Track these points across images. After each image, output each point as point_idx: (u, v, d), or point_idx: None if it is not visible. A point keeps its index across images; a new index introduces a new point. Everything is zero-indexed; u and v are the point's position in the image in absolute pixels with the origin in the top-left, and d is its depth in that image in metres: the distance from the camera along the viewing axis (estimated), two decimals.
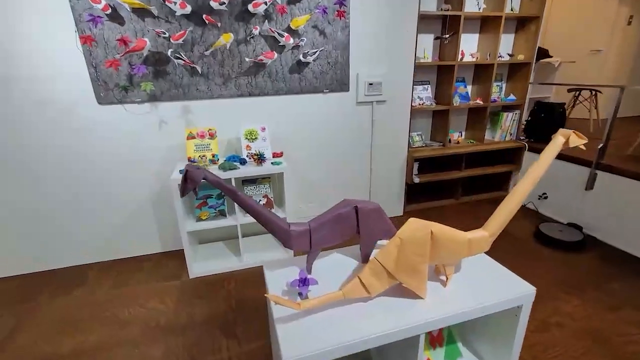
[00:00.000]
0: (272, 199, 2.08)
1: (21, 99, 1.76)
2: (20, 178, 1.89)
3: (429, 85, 2.66)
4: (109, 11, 1.68)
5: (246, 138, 2.06)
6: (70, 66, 1.77)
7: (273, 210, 2.07)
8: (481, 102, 2.65)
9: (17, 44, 1.68)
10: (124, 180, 2.05)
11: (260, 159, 1.91)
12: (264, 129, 2.10)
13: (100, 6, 1.62)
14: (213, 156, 1.98)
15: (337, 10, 1.90)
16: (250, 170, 1.89)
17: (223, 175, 1.83)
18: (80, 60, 1.77)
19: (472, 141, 2.81)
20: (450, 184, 2.94)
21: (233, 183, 1.89)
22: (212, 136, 1.99)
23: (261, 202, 2.05)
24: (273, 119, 2.18)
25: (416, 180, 2.56)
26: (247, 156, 2.02)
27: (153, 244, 2.24)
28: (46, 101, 1.80)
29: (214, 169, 1.89)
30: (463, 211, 2.82)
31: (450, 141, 2.75)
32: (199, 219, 1.97)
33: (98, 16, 1.60)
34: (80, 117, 1.87)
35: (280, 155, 2.13)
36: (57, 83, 1.78)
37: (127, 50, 1.70)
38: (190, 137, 1.96)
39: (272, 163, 1.97)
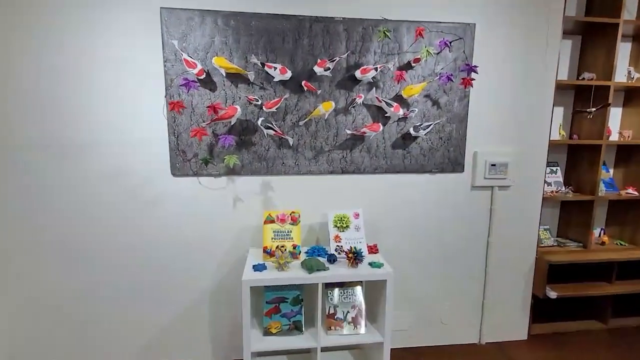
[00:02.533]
0: (363, 310, 1.54)
1: (97, 164, 1.57)
2: (72, 259, 1.62)
3: (558, 168, 2.11)
4: (203, 76, 1.49)
5: (335, 226, 1.63)
6: (151, 133, 1.57)
7: (365, 328, 1.52)
8: (635, 193, 2.01)
9: (109, 108, 1.53)
10: (185, 270, 1.68)
11: (357, 258, 1.44)
12: (357, 215, 1.66)
13: (196, 71, 1.44)
14: (294, 247, 1.56)
15: (463, 79, 1.56)
16: (343, 273, 1.42)
17: (308, 277, 1.38)
18: (162, 128, 1.57)
19: (622, 243, 2.10)
20: (594, 301, 2.16)
21: (319, 290, 1.41)
22: (294, 221, 1.60)
23: (349, 315, 1.53)
24: (367, 202, 1.76)
25: (551, 295, 1.87)
26: (336, 251, 1.57)
27: (202, 354, 1.76)
28: (120, 171, 1.58)
29: (295, 266, 1.46)
30: (614, 341, 1.99)
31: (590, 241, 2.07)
32: (268, 332, 1.48)
33: (193, 80, 1.41)
34: (151, 190, 1.61)
35: (376, 250, 1.64)
36: (136, 152, 1.58)
37: (216, 117, 1.46)
38: (269, 220, 1.58)
39: (370, 264, 1.48)
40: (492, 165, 1.77)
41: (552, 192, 1.99)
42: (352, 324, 1.51)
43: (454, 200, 1.82)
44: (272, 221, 1.58)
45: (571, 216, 2.10)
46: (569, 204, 2.11)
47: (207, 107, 1.42)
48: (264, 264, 1.45)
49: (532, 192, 1.87)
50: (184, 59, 1.43)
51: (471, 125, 1.76)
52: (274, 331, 1.48)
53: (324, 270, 1.42)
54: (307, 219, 1.73)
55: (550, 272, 1.90)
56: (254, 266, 1.43)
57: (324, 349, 1.49)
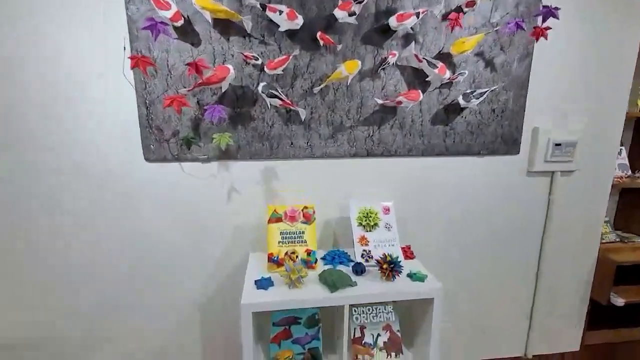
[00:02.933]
0: (398, 335, 1.21)
1: (42, 153, 1.18)
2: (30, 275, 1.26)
3: (622, 148, 1.75)
4: (180, 22, 1.08)
5: (360, 224, 1.27)
6: (113, 106, 1.17)
7: (403, 356, 1.19)
8: None
9: (57, 70, 1.12)
10: (169, 283, 1.32)
11: (393, 269, 1.09)
12: (387, 209, 1.30)
13: (169, 13, 1.02)
14: (308, 254, 1.20)
15: (535, 27, 1.15)
16: (375, 291, 1.06)
17: (330, 297, 1.03)
18: (128, 96, 1.17)
19: None
20: None
21: (345, 313, 1.07)
22: (308, 219, 1.24)
23: (380, 340, 1.19)
24: (399, 192, 1.39)
25: (618, 302, 1.55)
26: (363, 257, 1.22)
27: None
28: (75, 161, 1.20)
29: (311, 281, 1.11)
30: None
31: None
32: None
33: (162, 23, 0.99)
34: (118, 183, 1.23)
35: (412, 255, 1.29)
36: (95, 132, 1.18)
37: (201, 81, 1.06)
38: (274, 218, 1.22)
39: (410, 276, 1.13)
40: (557, 145, 1.39)
41: (619, 177, 1.63)
42: (384, 350, 1.18)
43: (505, 190, 1.45)
44: (279, 219, 1.21)
45: (636, 206, 1.76)
46: (632, 192, 1.76)
47: (187, 64, 1.01)
48: (270, 278, 1.10)
49: (601, 178, 1.51)
50: None
51: (532, 94, 1.37)
52: None
53: (351, 286, 1.07)
54: (322, 215, 1.36)
55: (616, 274, 1.57)
56: (256, 282, 1.07)
57: None
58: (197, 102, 1.20)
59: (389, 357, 1.16)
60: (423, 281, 1.10)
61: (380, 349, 1.17)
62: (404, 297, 1.06)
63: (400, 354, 1.17)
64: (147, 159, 1.22)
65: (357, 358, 1.15)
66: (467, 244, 1.48)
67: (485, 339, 1.61)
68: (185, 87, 1.13)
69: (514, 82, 1.34)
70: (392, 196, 1.36)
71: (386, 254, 1.12)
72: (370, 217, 1.27)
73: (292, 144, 1.28)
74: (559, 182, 1.46)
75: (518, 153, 1.42)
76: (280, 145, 1.27)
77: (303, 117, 1.21)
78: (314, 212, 1.24)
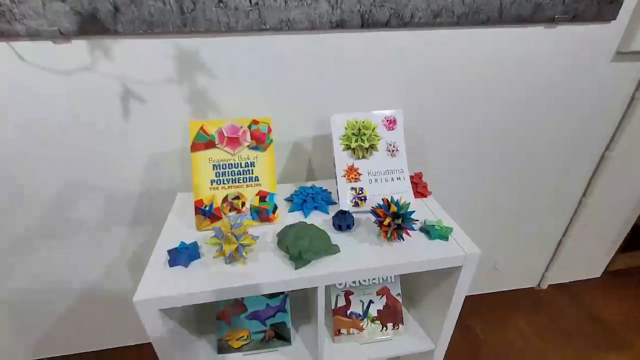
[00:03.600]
0: (398, 300, 0.86)
1: None
2: None
3: None
4: None
5: (347, 147, 0.79)
6: None
7: (403, 328, 0.85)
8: None
9: None
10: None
11: (400, 226, 0.66)
12: (392, 121, 0.80)
13: None
14: (262, 199, 0.75)
15: None
16: (371, 258, 0.63)
17: (294, 279, 0.61)
18: None
19: None
20: None
21: (319, 293, 0.67)
22: (260, 142, 0.74)
23: (374, 308, 0.85)
24: (412, 92, 0.87)
25: None
26: (351, 200, 0.78)
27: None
28: None
29: (266, 248, 0.67)
30: None
31: None
32: (226, 346, 0.82)
33: None
34: None
35: (425, 190, 0.84)
36: None
37: None
38: (203, 142, 0.72)
39: (426, 231, 0.71)
40: None
41: None
42: (377, 321, 0.85)
43: (575, 79, 0.93)
44: (210, 144, 0.72)
45: None
46: None
47: None
48: (195, 244, 0.66)
49: None
50: None
51: None
52: (236, 345, 0.82)
53: (330, 254, 0.66)
54: (286, 134, 0.86)
55: None
56: (170, 253, 0.65)
57: None
58: None
59: (384, 329, 0.84)
60: (447, 238, 0.69)
61: (373, 320, 0.84)
62: (416, 268, 0.66)
63: (400, 325, 0.85)
64: None
65: (339, 333, 0.83)
66: (498, 160, 1.04)
67: (498, 275, 1.33)
68: None
69: None
70: (400, 100, 0.84)
71: (388, 200, 0.67)
72: (363, 133, 0.77)
73: (220, 1, 0.68)
74: None
75: (612, 20, 0.85)
76: (199, 5, 0.68)
77: None
78: (269, 130, 0.73)
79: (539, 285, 1.42)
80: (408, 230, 0.66)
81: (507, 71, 0.88)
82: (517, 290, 1.41)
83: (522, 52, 0.85)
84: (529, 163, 1.06)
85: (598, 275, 1.46)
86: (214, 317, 0.80)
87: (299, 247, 0.62)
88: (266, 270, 0.61)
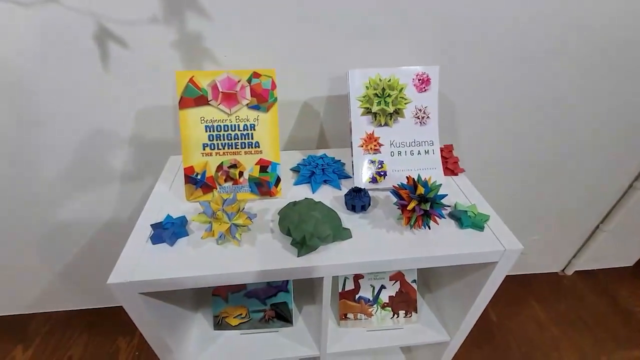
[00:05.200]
0: (414, 287, 0.76)
1: None
2: None
3: None
4: None
5: (367, 110, 0.65)
6: None
7: (416, 316, 0.76)
8: None
9: None
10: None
11: (427, 213, 0.55)
12: (426, 80, 0.65)
13: None
14: (264, 169, 0.64)
15: None
16: (390, 248, 0.53)
17: (297, 268, 0.50)
18: None
19: None
20: None
21: (327, 282, 0.58)
22: (262, 100, 0.61)
23: (385, 294, 0.76)
24: (448, 41, 0.70)
25: None
26: (369, 175, 0.66)
27: None
28: None
29: (265, 229, 0.57)
30: None
31: None
32: (223, 324, 0.75)
33: None
34: None
35: (456, 167, 0.71)
36: None
37: None
38: (194, 98, 0.60)
39: (457, 217, 0.59)
40: None
41: None
42: (389, 308, 0.77)
43: (629, 44, 0.75)
44: (203, 100, 0.59)
45: None
46: None
47: None
48: (183, 218, 0.57)
49: None
50: None
51: None
52: (233, 322, 0.76)
53: (341, 239, 0.56)
54: (293, 89, 0.73)
55: None
56: (154, 227, 0.55)
57: (334, 355, 0.79)
58: None
59: (395, 317, 0.77)
60: (482, 228, 0.57)
61: (384, 306, 0.76)
62: (443, 262, 0.55)
63: (413, 313, 0.77)
64: None
65: (345, 318, 0.76)
66: (540, 137, 0.89)
67: (522, 258, 1.23)
68: None
69: None
70: (432, 56, 0.68)
71: (414, 179, 0.55)
72: (390, 96, 0.63)
73: None
74: None
75: None
76: None
77: None
78: (273, 85, 0.60)
79: (563, 270, 1.31)
80: (436, 218, 0.55)
81: (573, 26, 0.69)
82: (539, 274, 1.31)
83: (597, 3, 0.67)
84: (577, 141, 0.90)
85: (630, 264, 1.34)
86: (211, 294, 0.74)
87: (303, 231, 0.51)
88: (263, 256, 0.52)
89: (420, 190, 0.53)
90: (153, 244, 0.53)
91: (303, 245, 0.52)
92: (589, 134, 0.89)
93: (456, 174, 0.70)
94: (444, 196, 0.55)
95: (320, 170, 0.67)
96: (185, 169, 0.60)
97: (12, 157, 0.75)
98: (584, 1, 0.67)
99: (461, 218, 0.57)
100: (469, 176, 0.70)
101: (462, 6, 0.65)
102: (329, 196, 0.64)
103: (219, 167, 0.61)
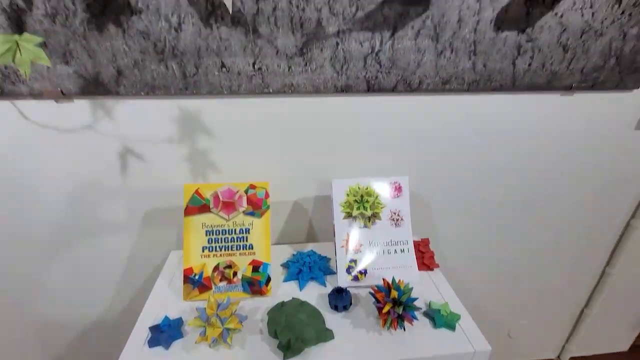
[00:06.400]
0: None
1: None
2: None
3: None
4: None
5: (348, 214, 0.75)
6: None
7: None
8: None
9: None
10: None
11: (401, 316, 0.60)
12: (398, 188, 0.76)
13: None
14: (255, 269, 0.70)
15: None
16: (369, 347, 0.57)
17: None
18: None
19: None
20: None
21: None
22: (256, 208, 0.71)
23: None
24: (421, 159, 0.83)
25: None
26: (350, 272, 0.73)
27: None
28: None
29: (254, 330, 0.62)
30: None
31: None
32: None
33: None
34: None
35: (431, 263, 0.78)
36: None
37: None
38: (198, 207, 0.69)
39: (430, 316, 0.64)
40: None
41: None
42: None
43: (596, 147, 0.88)
44: (205, 208, 0.69)
45: None
46: None
47: None
48: (179, 320, 0.61)
49: None
50: None
51: None
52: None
53: (325, 341, 0.60)
54: (286, 194, 0.83)
55: None
56: (152, 331, 0.60)
57: None
58: None
59: None
60: (453, 328, 0.62)
61: None
62: (417, 354, 0.59)
63: None
64: None
65: None
66: (512, 229, 0.97)
67: (512, 343, 1.22)
68: None
69: None
70: (406, 167, 0.80)
71: (389, 282, 0.62)
72: (367, 202, 0.73)
73: (223, 66, 0.67)
74: None
75: (637, 87, 0.81)
76: (202, 69, 0.67)
77: (229, 6, 0.57)
78: (267, 195, 0.70)
79: (559, 357, 1.29)
80: (410, 320, 0.60)
81: (522, 138, 0.83)
82: None
83: (537, 118, 0.81)
84: (548, 232, 0.98)
85: (625, 349, 1.33)
86: None
87: (288, 335, 0.56)
88: (252, 359, 0.56)
89: (394, 294, 0.59)
90: (150, 347, 0.57)
91: (288, 349, 0.56)
92: (554, 226, 0.98)
93: (432, 269, 0.77)
94: (415, 299, 0.61)
95: (307, 268, 0.73)
96: (185, 269, 0.67)
97: (8, 237, 0.81)
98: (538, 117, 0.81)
99: (434, 317, 0.62)
100: (445, 266, 0.76)
101: (431, 129, 0.79)
102: (315, 293, 0.70)
103: (216, 267, 0.68)
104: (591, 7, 0.69)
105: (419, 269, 0.74)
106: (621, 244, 1.03)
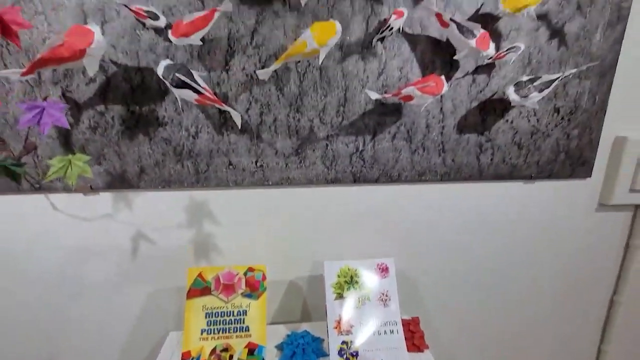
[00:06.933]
0: None
1: None
2: None
3: None
4: None
5: (339, 295, 0.80)
6: None
7: None
8: None
9: None
10: None
11: None
12: (385, 269, 0.82)
13: None
14: (251, 352, 0.73)
15: None
16: None
17: None
18: None
19: None
20: None
21: None
22: (254, 290, 0.77)
23: None
24: (404, 242, 0.91)
25: None
26: (342, 355, 0.75)
27: None
28: None
29: None
30: None
31: None
32: None
33: None
34: None
35: (422, 344, 0.82)
36: None
37: (41, 58, 0.57)
38: (200, 289, 0.75)
39: None
40: None
41: None
42: None
43: (565, 232, 0.97)
44: (206, 290, 0.74)
45: None
46: None
47: None
48: None
49: None
50: None
51: (620, 83, 0.86)
52: None
53: None
54: (282, 273, 0.89)
55: None
56: None
57: None
58: (63, 94, 0.71)
59: None
60: None
61: None
62: None
63: None
64: None
65: None
66: (497, 308, 1.01)
67: None
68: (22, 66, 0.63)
69: (595, 66, 0.83)
70: (392, 248, 0.88)
71: None
72: (355, 282, 0.79)
73: (230, 164, 0.79)
74: None
75: (588, 177, 0.92)
76: (212, 167, 0.79)
77: (239, 122, 0.71)
78: (264, 277, 0.76)
79: None
80: None
81: (493, 222, 0.92)
82: None
83: (504, 205, 0.91)
84: (537, 309, 1.02)
85: None
86: None
87: None
88: None
89: None
90: None
91: None
92: (549, 303, 1.01)
93: (422, 350, 0.79)
94: None
95: (301, 350, 0.76)
96: (183, 353, 0.70)
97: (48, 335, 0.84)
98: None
99: None
100: (442, 342, 0.78)
101: (411, 213, 0.89)
102: None
103: (213, 350, 0.71)
104: (535, 115, 0.84)
105: (409, 349, 0.77)
106: (609, 321, 1.06)
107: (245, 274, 0.76)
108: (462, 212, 0.90)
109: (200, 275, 0.75)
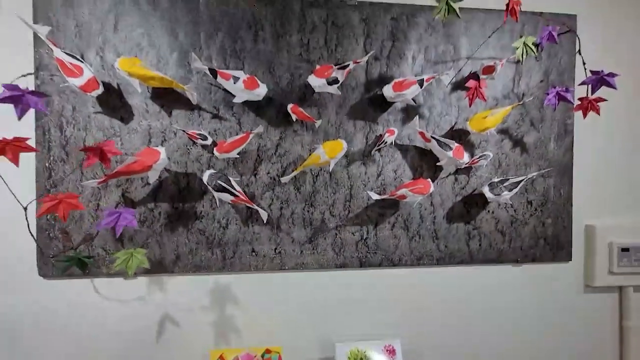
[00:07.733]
0: None
1: None
2: None
3: None
4: (97, 92, 0.79)
5: None
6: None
7: None
8: None
9: None
10: None
11: None
12: (392, 351, 0.88)
13: (80, 81, 0.75)
14: None
15: (583, 99, 0.85)
16: None
17: None
18: (21, 185, 0.84)
19: None
20: None
21: None
22: None
23: None
24: (408, 320, 0.98)
25: None
26: None
27: None
28: None
29: None
30: None
31: None
32: None
33: (31, 92, 0.61)
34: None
35: None
36: None
37: (117, 171, 0.75)
38: None
39: None
40: (624, 250, 1.02)
41: None
42: None
43: (556, 312, 1.03)
44: None
45: None
46: None
47: (83, 150, 0.69)
48: None
49: None
50: (57, 59, 0.75)
51: (579, 181, 1.04)
52: None
53: None
54: (296, 354, 0.94)
55: None
56: None
57: None
58: (122, 194, 0.87)
59: None
60: None
61: None
62: None
63: None
64: (44, 275, 0.86)
65: None
66: None
67: None
68: (92, 179, 0.80)
69: (554, 167, 1.01)
70: (396, 328, 0.95)
71: None
72: None
73: (253, 251, 0.91)
74: (634, 301, 1.04)
75: (570, 260, 1.03)
76: (237, 254, 0.91)
77: (265, 218, 0.86)
78: (280, 359, 0.82)
79: None
80: None
81: (487, 303, 1.00)
82: None
83: (497, 286, 1.00)
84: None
85: None
86: None
87: None
88: None
89: None
90: None
91: None
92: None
93: None
94: None
95: None
96: None
97: None
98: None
99: None
100: None
101: (412, 294, 0.97)
102: None
103: None
104: (512, 206, 0.99)
105: None
106: None
107: (262, 355, 0.82)
108: (459, 293, 0.99)
109: (221, 357, 0.81)
